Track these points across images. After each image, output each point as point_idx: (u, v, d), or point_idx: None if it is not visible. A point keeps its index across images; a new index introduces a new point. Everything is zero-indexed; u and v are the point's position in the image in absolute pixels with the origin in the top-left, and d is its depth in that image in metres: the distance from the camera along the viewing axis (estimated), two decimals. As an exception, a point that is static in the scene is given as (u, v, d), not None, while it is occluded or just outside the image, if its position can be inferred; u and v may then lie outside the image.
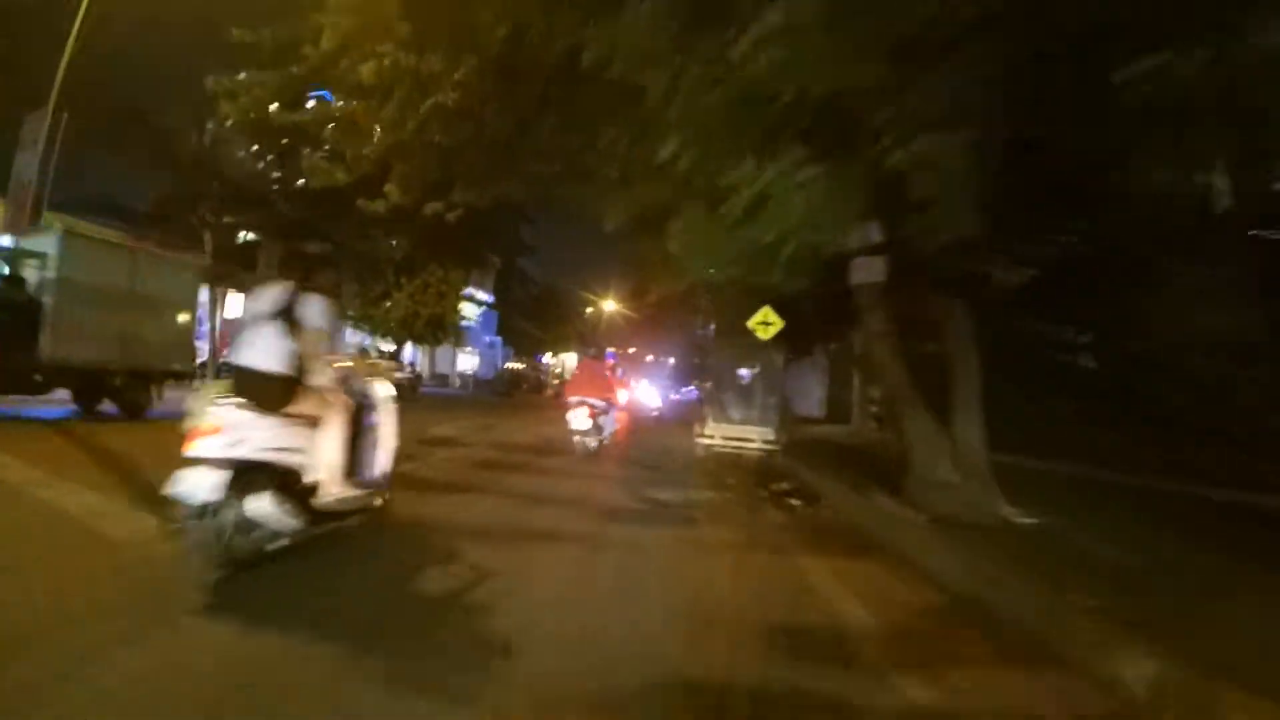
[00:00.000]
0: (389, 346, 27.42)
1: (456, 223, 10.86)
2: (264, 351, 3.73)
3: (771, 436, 11.85)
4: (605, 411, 11.18)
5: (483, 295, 44.77)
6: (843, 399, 22.85)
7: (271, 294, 3.93)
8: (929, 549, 5.35)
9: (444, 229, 14.04)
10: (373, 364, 5.21)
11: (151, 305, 11.38)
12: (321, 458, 3.99)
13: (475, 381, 37.87)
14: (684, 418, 23.39)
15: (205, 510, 3.31)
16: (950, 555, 5.07)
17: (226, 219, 22.22)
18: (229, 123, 13.44)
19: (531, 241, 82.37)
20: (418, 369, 30.13)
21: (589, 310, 69.67)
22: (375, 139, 8.85)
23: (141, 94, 18.83)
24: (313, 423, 3.95)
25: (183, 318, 12.22)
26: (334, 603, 3.46)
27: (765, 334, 13.04)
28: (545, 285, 77.77)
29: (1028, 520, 6.31)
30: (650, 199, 7.34)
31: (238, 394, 3.70)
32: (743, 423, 12.20)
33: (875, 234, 6.44)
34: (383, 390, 4.87)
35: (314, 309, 3.92)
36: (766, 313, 13.06)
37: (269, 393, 3.72)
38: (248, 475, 3.50)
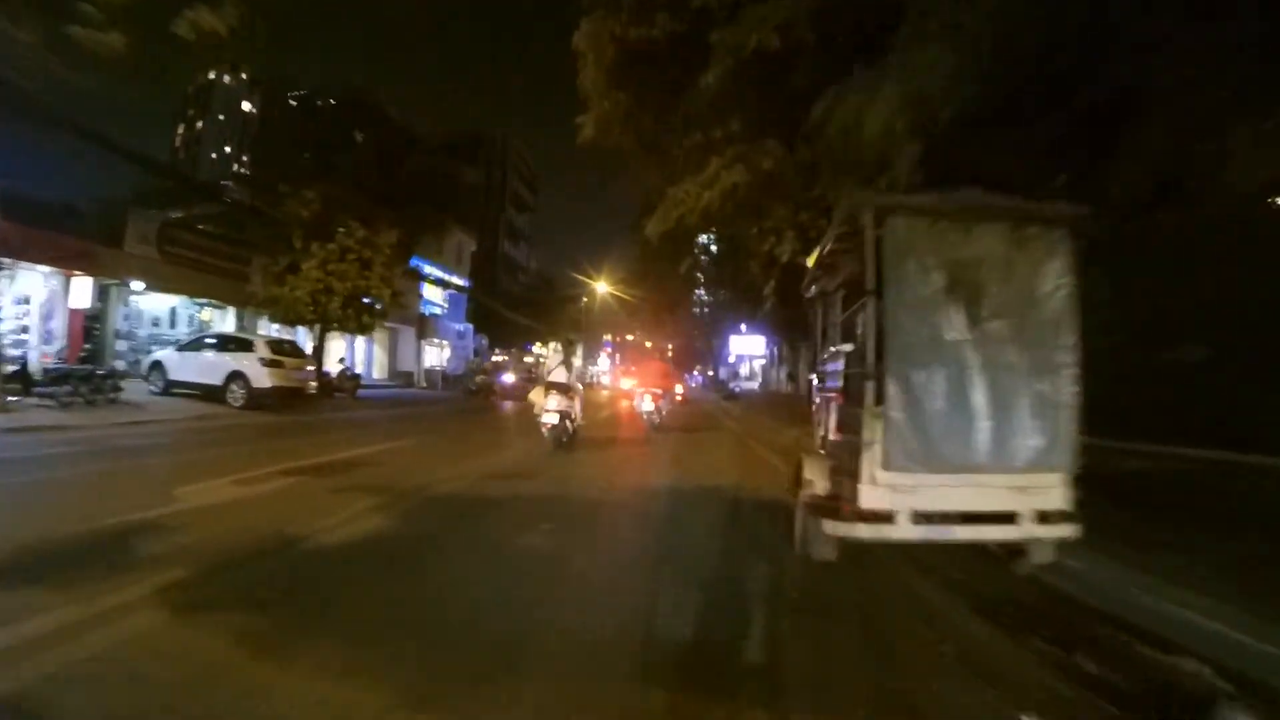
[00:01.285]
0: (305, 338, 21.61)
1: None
2: (559, 375, 10.58)
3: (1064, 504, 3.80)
4: (663, 397, 15.36)
5: (457, 280, 39.08)
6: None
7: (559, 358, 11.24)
8: None
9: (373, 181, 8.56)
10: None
11: None
12: (575, 410, 10.61)
13: (446, 379, 32.18)
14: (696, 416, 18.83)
15: (552, 427, 10.19)
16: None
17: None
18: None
19: (527, 232, 77.76)
20: (348, 366, 24.13)
21: (584, 300, 64.26)
22: None
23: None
24: (573, 398, 10.56)
25: None
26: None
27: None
28: (536, 272, 72.07)
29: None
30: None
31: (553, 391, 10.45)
32: (988, 466, 3.71)
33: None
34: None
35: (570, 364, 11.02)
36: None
37: (564, 389, 10.44)
38: (562, 416, 10.23)
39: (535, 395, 10.70)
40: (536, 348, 63.02)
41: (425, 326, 34.19)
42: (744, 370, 52.05)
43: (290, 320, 19.74)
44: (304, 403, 15.90)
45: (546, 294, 63.16)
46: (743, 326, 39.27)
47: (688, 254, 26.89)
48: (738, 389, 43.16)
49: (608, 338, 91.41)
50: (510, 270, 67.86)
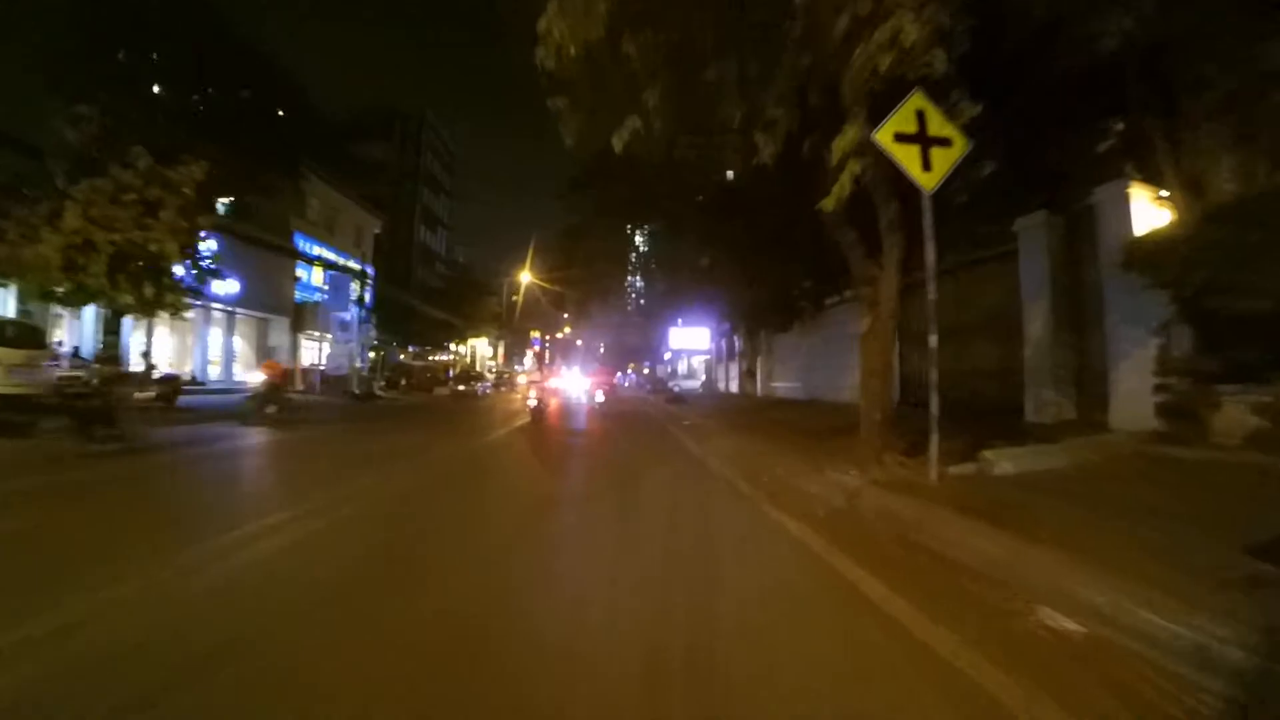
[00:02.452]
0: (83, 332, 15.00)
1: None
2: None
3: None
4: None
5: (352, 263, 32.51)
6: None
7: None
8: None
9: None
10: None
11: None
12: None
13: (326, 380, 25.81)
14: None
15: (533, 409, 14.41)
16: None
17: None
18: None
19: (446, 219, 70.83)
20: (153, 369, 17.13)
21: (513, 296, 58.18)
22: None
23: None
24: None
25: None
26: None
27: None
28: (457, 263, 65.21)
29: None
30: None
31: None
32: None
33: None
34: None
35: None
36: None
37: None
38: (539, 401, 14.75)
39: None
40: (456, 346, 56.76)
41: (303, 316, 27.67)
42: (681, 367, 47.06)
43: (39, 292, 13.24)
44: (47, 418, 9.80)
45: (467, 287, 56.70)
46: (680, 321, 34.29)
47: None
48: (676, 388, 38.19)
49: (536, 335, 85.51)
50: (427, 260, 61.01)
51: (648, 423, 15.03)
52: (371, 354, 33.38)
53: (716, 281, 24.41)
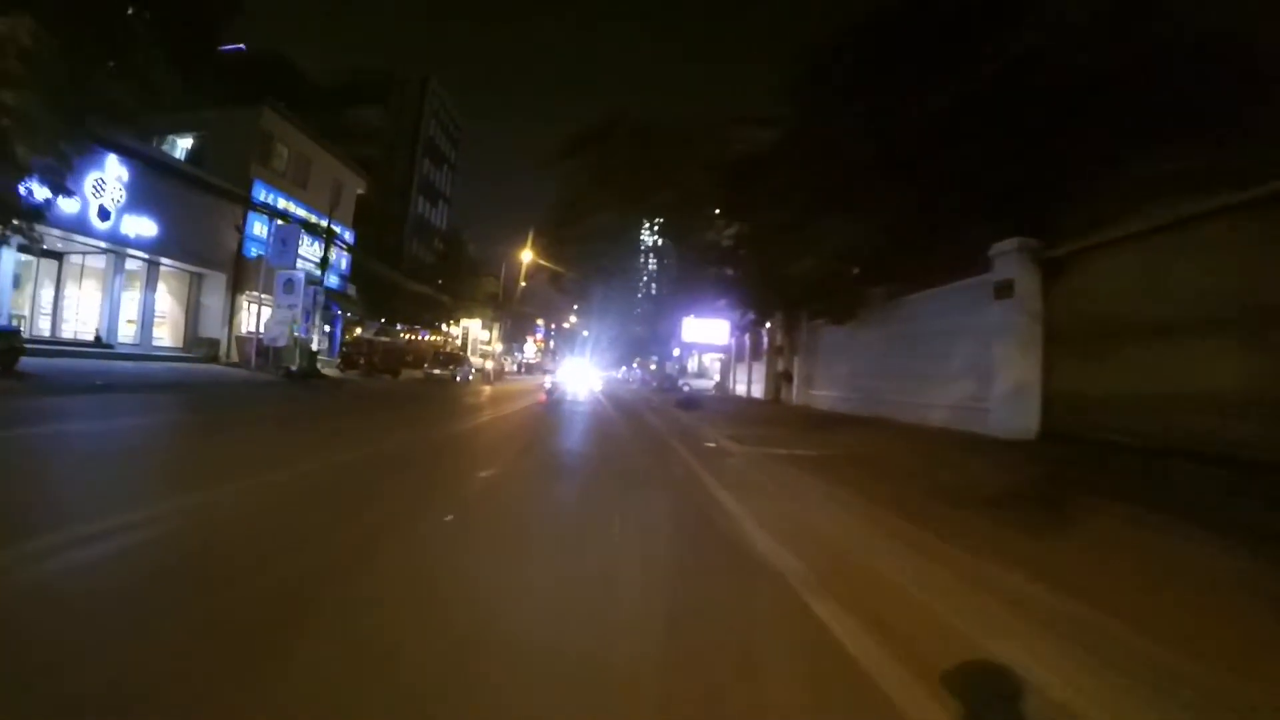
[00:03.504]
0: None
1: None
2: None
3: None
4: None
5: (333, 226, 27.65)
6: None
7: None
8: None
9: None
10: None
11: None
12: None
13: (263, 351, 20.80)
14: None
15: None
16: None
17: None
18: None
19: (447, 192, 65.79)
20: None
21: (517, 279, 53.26)
22: None
23: None
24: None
25: None
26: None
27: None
28: (459, 238, 60.29)
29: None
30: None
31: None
32: None
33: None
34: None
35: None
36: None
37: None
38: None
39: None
40: (449, 326, 51.89)
41: (244, 273, 22.78)
42: (691, 365, 42.05)
43: None
44: None
45: (461, 264, 51.82)
46: (692, 313, 29.30)
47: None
48: (686, 387, 33.17)
49: (539, 322, 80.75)
50: (424, 234, 56.15)
51: (649, 443, 10.11)
52: (331, 326, 28.57)
53: (740, 262, 19.50)
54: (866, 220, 12.40)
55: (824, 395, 16.31)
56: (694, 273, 26.73)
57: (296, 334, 20.64)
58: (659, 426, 11.67)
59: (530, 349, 69.11)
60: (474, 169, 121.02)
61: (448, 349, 36.58)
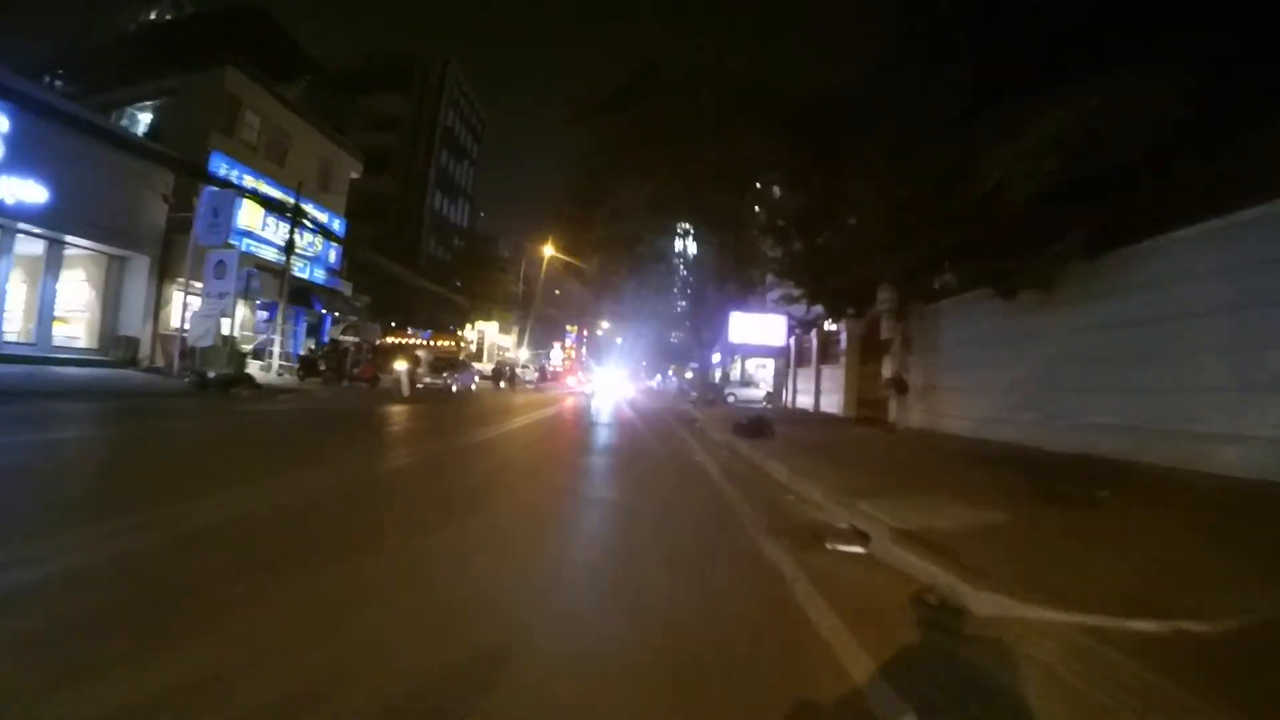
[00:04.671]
0: None
1: None
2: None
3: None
4: None
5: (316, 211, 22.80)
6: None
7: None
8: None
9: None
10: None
11: None
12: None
13: (187, 354, 15.87)
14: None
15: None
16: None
17: None
18: None
19: (468, 188, 61.11)
20: None
21: (542, 278, 48.17)
22: None
23: None
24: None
25: None
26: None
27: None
28: (468, 230, 55.57)
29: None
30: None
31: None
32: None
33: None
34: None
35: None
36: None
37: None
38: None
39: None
40: (469, 329, 46.96)
41: (174, 256, 17.91)
42: (734, 371, 36.13)
43: None
44: None
45: (478, 261, 47.08)
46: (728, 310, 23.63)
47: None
48: (731, 397, 27.43)
49: (571, 329, 75.94)
50: (442, 231, 51.56)
51: (733, 581, 4.61)
52: (294, 323, 23.70)
53: (812, 229, 14.00)
54: (1071, 111, 6.78)
55: (958, 416, 10.54)
56: (745, 255, 21.16)
57: (221, 330, 15.68)
58: (732, 496, 6.08)
59: (558, 355, 64.01)
60: (498, 166, 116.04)
61: (453, 353, 31.47)
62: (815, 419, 16.09)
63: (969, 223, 8.21)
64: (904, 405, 11.43)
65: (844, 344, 16.15)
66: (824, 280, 13.76)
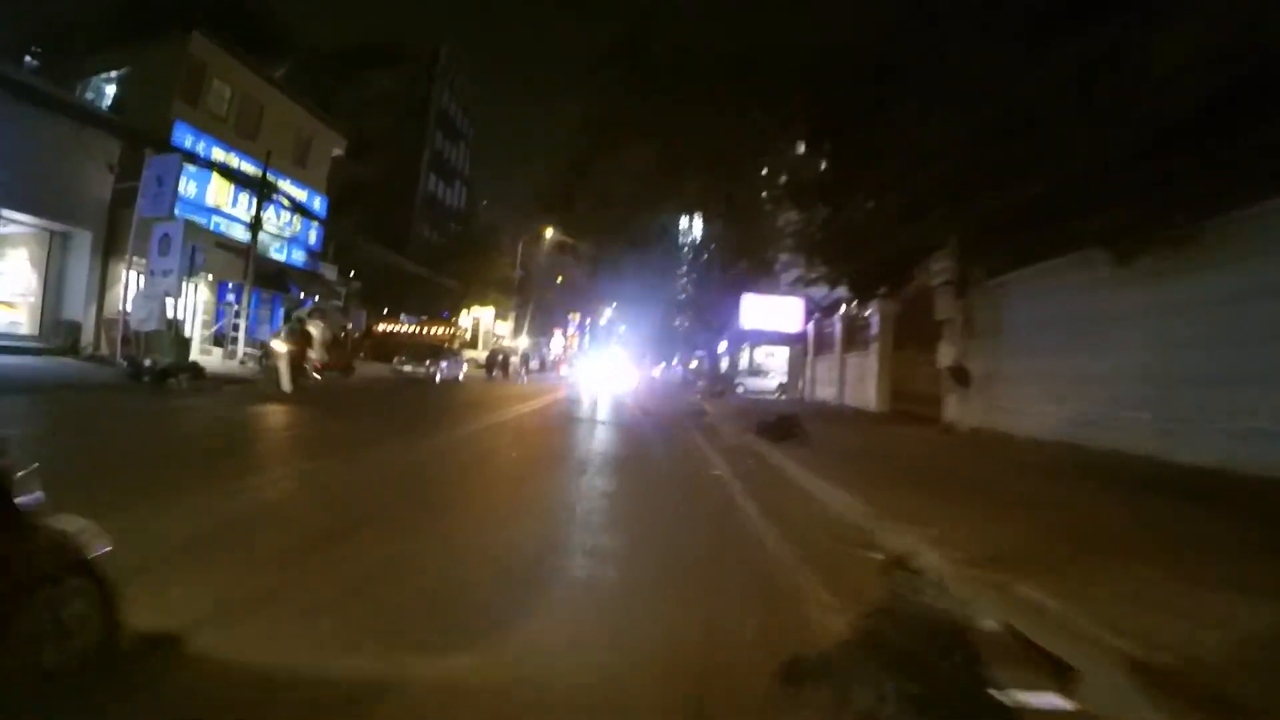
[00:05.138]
0: None
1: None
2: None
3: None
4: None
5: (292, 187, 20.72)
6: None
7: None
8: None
9: None
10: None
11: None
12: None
13: (131, 340, 13.86)
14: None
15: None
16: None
17: None
18: None
19: (464, 170, 58.78)
20: None
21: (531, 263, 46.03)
22: None
23: None
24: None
25: None
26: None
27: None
28: (463, 213, 53.50)
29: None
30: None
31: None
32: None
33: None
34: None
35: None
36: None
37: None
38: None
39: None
40: (464, 315, 44.77)
41: (120, 231, 15.87)
42: (742, 360, 34.07)
43: None
44: None
45: (472, 244, 45.06)
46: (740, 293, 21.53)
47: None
48: (741, 387, 25.45)
49: (573, 317, 73.92)
50: (436, 215, 49.43)
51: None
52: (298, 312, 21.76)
53: (844, 187, 12.03)
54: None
55: (1030, 413, 8.54)
56: (758, 232, 19.10)
57: (168, 314, 13.72)
58: (784, 553, 4.06)
59: (558, 343, 62.02)
60: (494, 153, 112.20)
61: (437, 341, 29.46)
62: (844, 414, 14.07)
63: (1073, 158, 6.19)
64: (956, 399, 9.39)
65: (875, 328, 14.12)
66: (855, 252, 11.73)
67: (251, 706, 1.82)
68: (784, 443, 7.71)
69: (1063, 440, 7.81)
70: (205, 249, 15.40)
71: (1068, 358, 8.15)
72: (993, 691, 1.98)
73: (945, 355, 9.40)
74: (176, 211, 15.40)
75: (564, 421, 11.71)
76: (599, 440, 8.91)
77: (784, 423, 8.23)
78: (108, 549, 1.96)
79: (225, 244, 19.45)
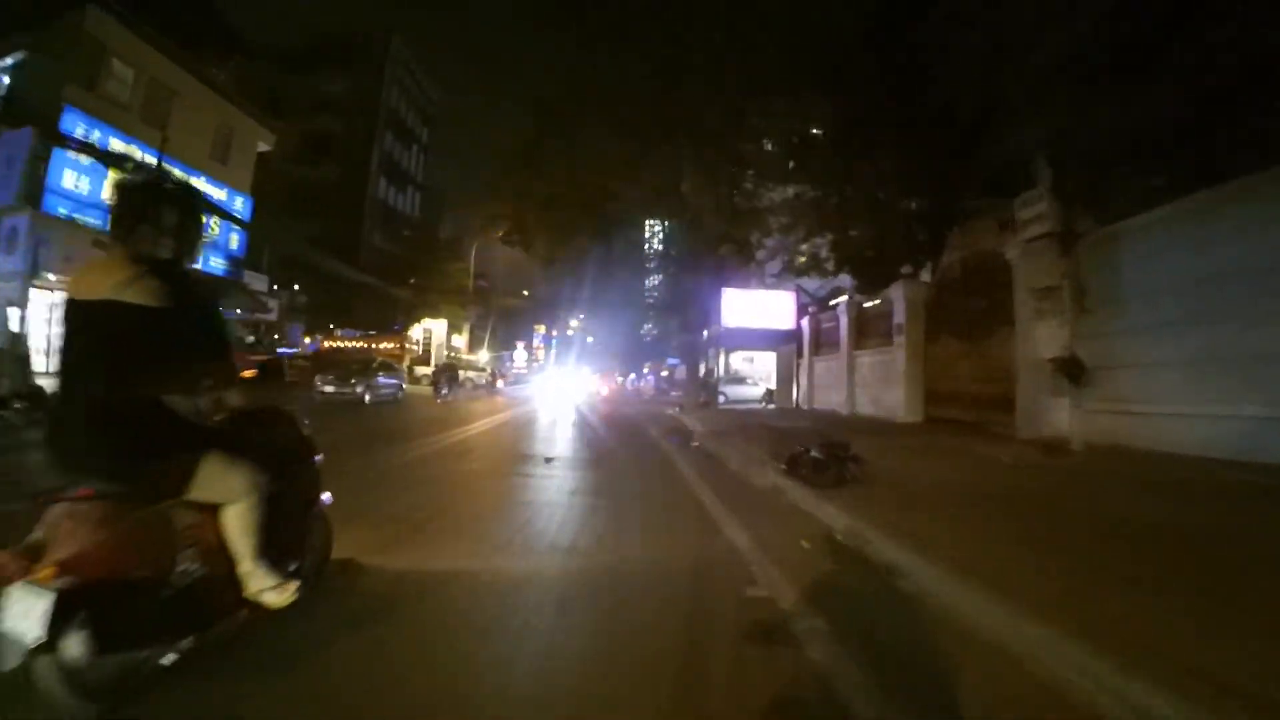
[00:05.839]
0: None
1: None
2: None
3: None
4: None
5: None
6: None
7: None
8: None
9: None
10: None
11: None
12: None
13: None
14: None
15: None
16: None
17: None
18: None
19: (417, 176, 54.86)
20: None
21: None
22: None
23: None
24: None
25: None
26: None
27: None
28: (417, 220, 49.96)
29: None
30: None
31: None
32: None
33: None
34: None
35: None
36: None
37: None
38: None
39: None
40: (418, 326, 40.85)
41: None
42: (720, 365, 31.05)
43: None
44: None
45: (424, 251, 41.64)
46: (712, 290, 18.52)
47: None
48: (722, 397, 22.34)
49: (540, 329, 70.35)
50: (389, 222, 45.75)
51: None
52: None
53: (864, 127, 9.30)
54: None
55: (1184, 415, 5.66)
56: (738, 204, 16.11)
57: (12, 327, 10.29)
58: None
59: (521, 357, 58.61)
60: (450, 154, 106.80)
61: (367, 357, 25.80)
62: (868, 428, 10.98)
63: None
64: (1078, 404, 6.41)
65: (899, 316, 11.20)
66: (882, 209, 8.80)
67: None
68: (834, 491, 4.65)
69: (1246, 459, 4.87)
70: (53, 243, 11.94)
71: (1250, 329, 5.24)
72: None
73: (1047, 341, 6.46)
74: (45, 206, 11.97)
75: (495, 461, 8.12)
76: (537, 509, 5.34)
77: (827, 454, 5.14)
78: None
79: (104, 242, 15.95)
